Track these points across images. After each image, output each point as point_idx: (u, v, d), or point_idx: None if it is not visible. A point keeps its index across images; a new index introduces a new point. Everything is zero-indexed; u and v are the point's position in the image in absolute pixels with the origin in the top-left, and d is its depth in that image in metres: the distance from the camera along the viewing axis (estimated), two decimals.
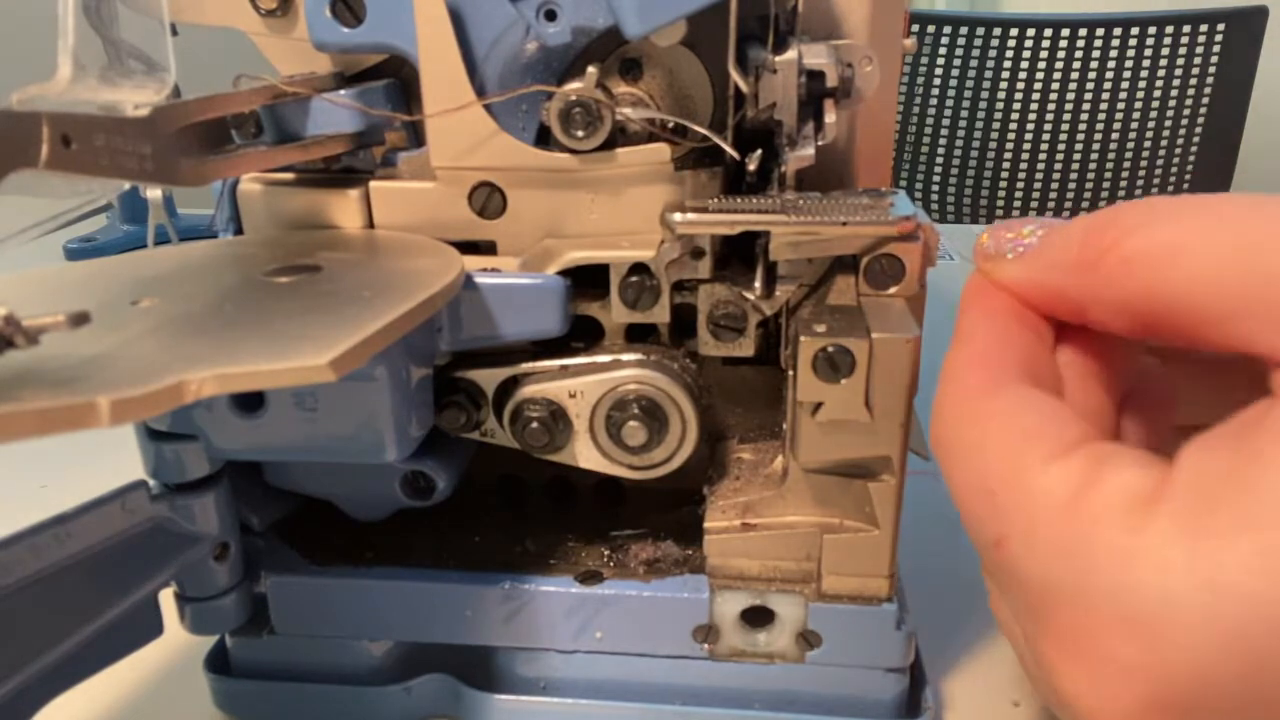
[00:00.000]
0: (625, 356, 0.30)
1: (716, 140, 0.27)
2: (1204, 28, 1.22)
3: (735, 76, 0.27)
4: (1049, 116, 1.28)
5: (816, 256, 0.27)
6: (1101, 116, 1.26)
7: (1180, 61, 1.23)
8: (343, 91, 0.28)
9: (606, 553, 0.32)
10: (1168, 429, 0.25)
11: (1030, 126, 1.29)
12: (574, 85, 0.27)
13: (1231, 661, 0.16)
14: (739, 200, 0.28)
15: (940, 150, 1.34)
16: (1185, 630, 0.16)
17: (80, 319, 0.18)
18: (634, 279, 0.29)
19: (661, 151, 0.28)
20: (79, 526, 0.25)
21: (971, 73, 1.30)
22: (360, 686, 0.32)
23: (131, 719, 0.33)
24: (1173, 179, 1.28)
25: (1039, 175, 1.30)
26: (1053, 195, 1.31)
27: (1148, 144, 1.27)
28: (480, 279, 0.28)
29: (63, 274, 0.29)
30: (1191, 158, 1.27)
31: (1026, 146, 1.30)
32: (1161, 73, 1.24)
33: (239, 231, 0.31)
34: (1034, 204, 1.31)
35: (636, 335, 0.31)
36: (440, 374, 0.30)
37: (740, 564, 0.30)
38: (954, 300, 0.25)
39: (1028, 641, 0.20)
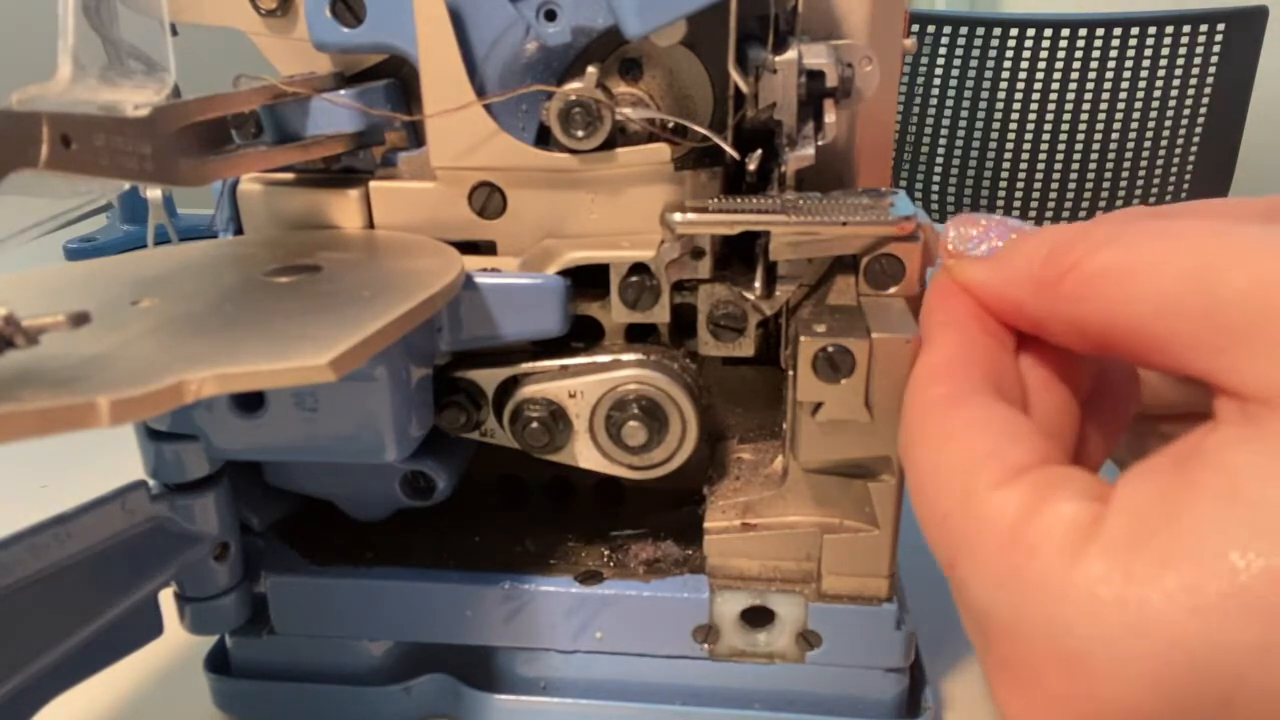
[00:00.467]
0: (625, 356, 0.30)
1: (716, 140, 0.27)
2: (1204, 28, 1.22)
3: (735, 76, 0.27)
4: (1049, 116, 1.28)
5: (816, 256, 0.27)
6: (1101, 116, 1.26)
7: (1180, 61, 1.23)
8: (343, 91, 0.28)
9: (606, 553, 0.32)
10: (1129, 421, 0.25)
11: (1030, 126, 1.29)
12: (574, 85, 0.27)
13: (1159, 700, 0.16)
14: (739, 200, 0.28)
15: (940, 150, 1.34)
16: (1113, 667, 0.16)
17: (80, 319, 0.18)
18: (634, 279, 0.29)
19: (661, 151, 0.28)
20: (79, 526, 0.25)
21: (971, 73, 1.30)
22: (360, 686, 0.32)
23: (131, 719, 0.33)
24: (1173, 179, 1.28)
25: (1039, 175, 1.30)
26: (1053, 195, 1.31)
27: (1148, 144, 1.27)
28: (480, 279, 0.28)
29: (63, 274, 0.29)
30: (1191, 158, 1.27)
31: (1026, 146, 1.30)
32: (1161, 73, 1.23)
33: (239, 231, 0.31)
34: (1034, 204, 1.31)
35: (636, 335, 0.31)
36: (440, 374, 0.30)
37: (740, 564, 0.30)
38: None
39: (980, 662, 0.20)
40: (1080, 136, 1.27)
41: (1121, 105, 1.25)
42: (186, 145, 0.25)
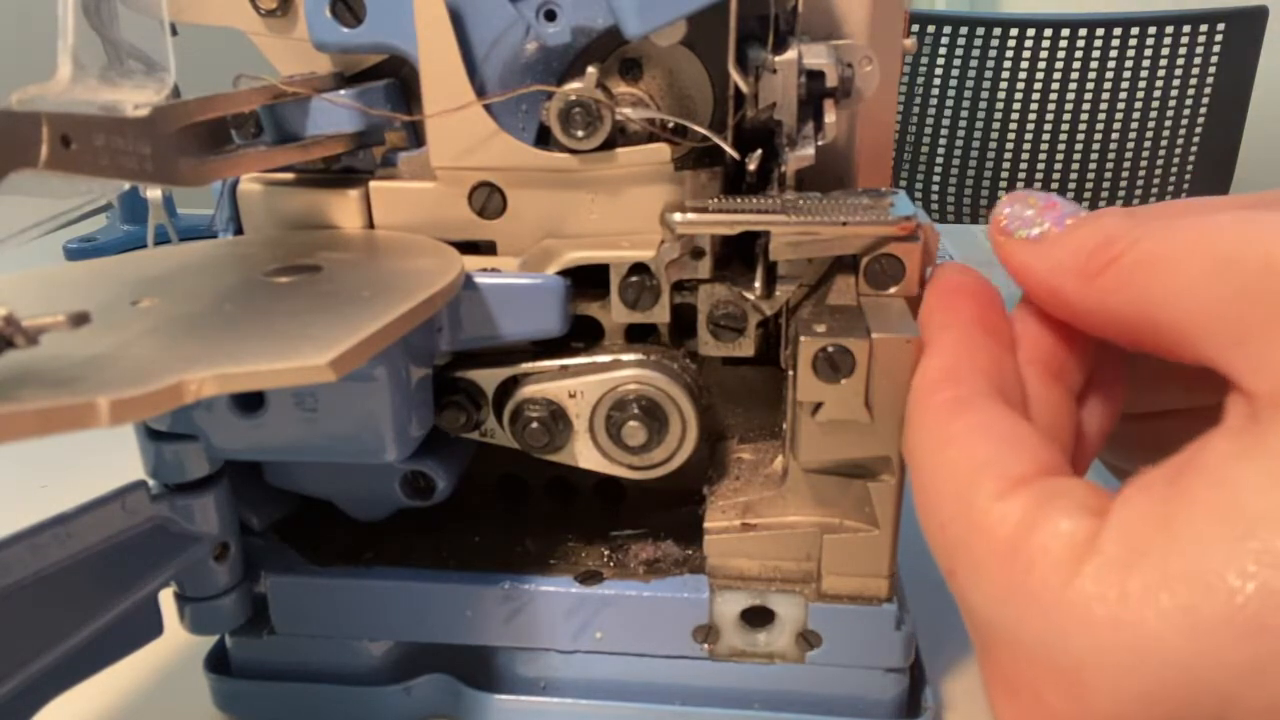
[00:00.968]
0: (625, 356, 0.30)
1: (716, 140, 0.27)
2: (1204, 28, 1.22)
3: (735, 76, 0.27)
4: (1049, 116, 1.28)
5: (816, 256, 0.27)
6: (1101, 116, 1.26)
7: (1180, 61, 1.23)
8: (343, 91, 0.28)
9: (606, 553, 0.32)
10: (1118, 415, 0.25)
11: (1030, 126, 1.29)
12: (574, 85, 0.27)
13: (1152, 718, 0.16)
14: (739, 200, 0.28)
15: (940, 150, 1.34)
16: (1108, 685, 0.16)
17: (80, 319, 0.18)
18: (634, 279, 0.29)
19: (661, 151, 0.28)
20: (79, 526, 0.25)
21: (971, 73, 1.30)
22: (360, 686, 0.32)
23: (131, 719, 0.33)
24: (1173, 179, 1.28)
25: (1039, 175, 1.30)
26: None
27: (1148, 144, 1.27)
28: (480, 279, 0.28)
29: (63, 274, 0.29)
30: (1191, 158, 1.27)
31: (1026, 147, 1.30)
32: (1161, 73, 1.23)
33: (239, 231, 0.31)
34: None
35: (636, 335, 0.31)
36: (440, 374, 0.30)
37: (740, 564, 0.30)
38: None
39: (979, 667, 0.20)
40: (1080, 136, 1.27)
41: (1121, 105, 1.25)
42: (186, 145, 0.25)
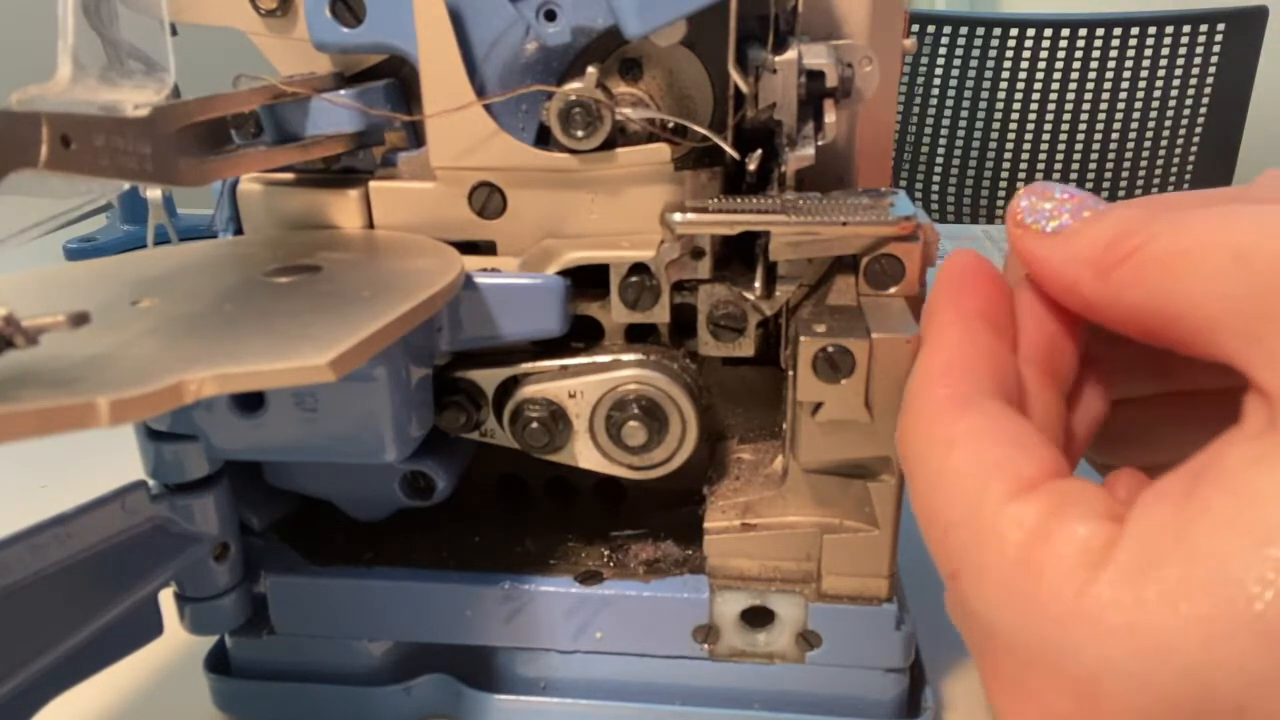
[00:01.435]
0: (625, 356, 0.30)
1: (716, 140, 0.27)
2: (1204, 28, 1.22)
3: (735, 76, 0.27)
4: (1049, 116, 1.28)
5: (816, 256, 0.27)
6: (1101, 116, 1.26)
7: (1180, 61, 1.23)
8: (343, 91, 0.28)
9: (606, 553, 0.32)
10: (1104, 415, 0.25)
11: (1030, 126, 1.29)
12: (574, 85, 0.27)
13: None
14: (739, 200, 0.28)
15: (940, 150, 1.34)
16: (1122, 693, 0.16)
17: (80, 319, 0.18)
18: (634, 279, 0.29)
19: (661, 151, 0.28)
20: (79, 526, 0.25)
21: (971, 73, 1.30)
22: (360, 686, 0.32)
23: (131, 719, 0.33)
24: (1173, 179, 1.28)
25: (1039, 175, 1.30)
26: None
27: (1148, 144, 1.27)
28: (480, 279, 0.28)
29: (63, 274, 0.29)
30: (1191, 158, 1.27)
31: (1026, 146, 1.30)
32: (1161, 73, 1.23)
33: (239, 231, 0.31)
34: None
35: (636, 335, 0.31)
36: (440, 374, 0.30)
37: (740, 564, 0.30)
38: None
39: (978, 670, 0.20)
40: (1080, 136, 1.27)
41: (1121, 105, 1.25)
42: (186, 145, 0.25)
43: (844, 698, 0.30)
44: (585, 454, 0.30)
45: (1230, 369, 0.18)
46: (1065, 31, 1.25)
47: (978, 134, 1.31)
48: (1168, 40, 1.22)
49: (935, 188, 1.35)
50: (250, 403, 0.27)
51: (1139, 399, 0.26)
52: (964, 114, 1.31)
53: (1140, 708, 0.16)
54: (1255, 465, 0.16)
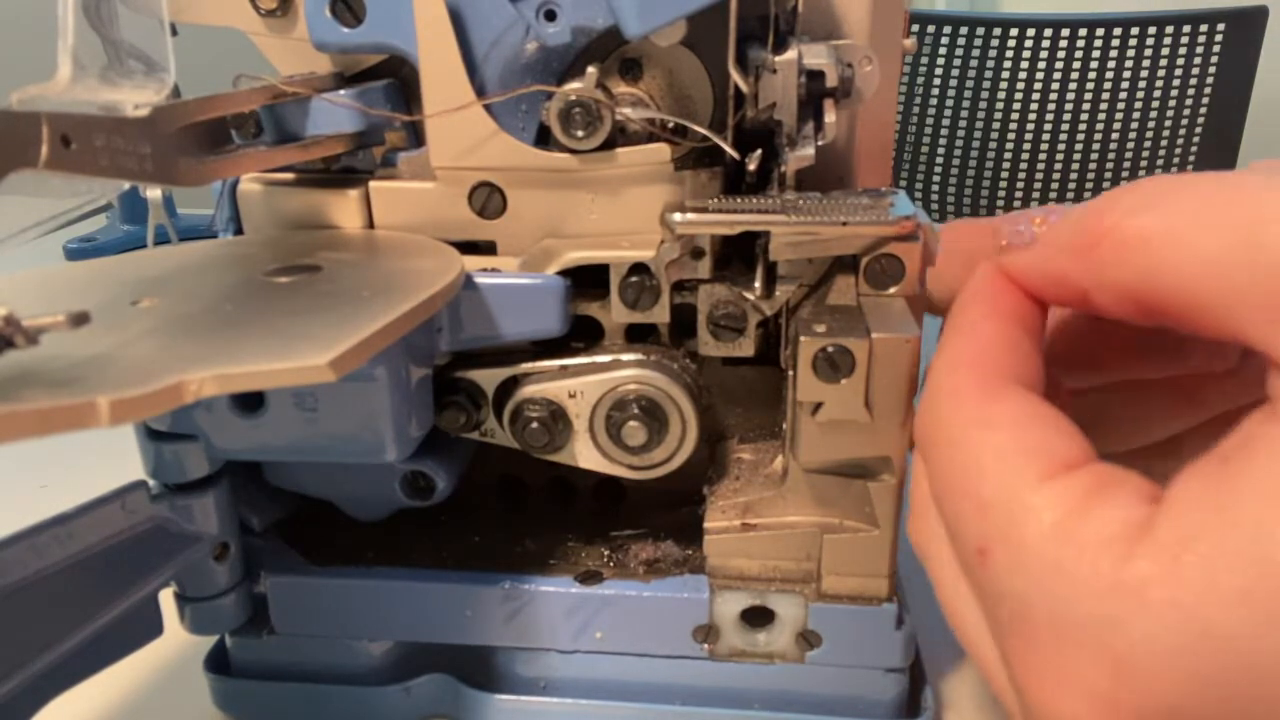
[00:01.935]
0: (625, 356, 0.30)
1: (716, 140, 0.27)
2: (1204, 28, 1.22)
3: (735, 76, 0.27)
4: (1049, 116, 1.28)
5: (816, 256, 0.27)
6: (1101, 116, 1.26)
7: (1180, 61, 1.23)
8: (343, 91, 0.28)
9: (606, 553, 0.32)
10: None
11: (1030, 126, 1.29)
12: (574, 85, 0.27)
13: (1207, 702, 0.16)
14: (739, 200, 0.28)
15: (940, 150, 1.34)
16: (1162, 667, 0.16)
17: (80, 319, 0.18)
18: (634, 279, 0.29)
19: (661, 151, 0.28)
20: (79, 526, 0.25)
21: (971, 73, 1.30)
22: (360, 686, 0.32)
23: (131, 719, 0.33)
24: None
25: (1039, 175, 1.30)
26: (1053, 196, 1.31)
27: (1148, 144, 1.27)
28: (480, 279, 0.28)
29: (63, 274, 0.29)
30: (1192, 158, 1.27)
31: (1026, 146, 1.30)
32: (1161, 73, 1.23)
33: (239, 231, 0.31)
34: (1034, 204, 1.31)
35: (636, 335, 0.31)
36: (440, 374, 0.30)
37: (740, 564, 0.30)
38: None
39: (1002, 650, 0.20)
40: (1080, 136, 1.27)
41: (1121, 105, 1.25)
42: (186, 145, 0.25)
43: (844, 698, 0.30)
44: (585, 454, 0.30)
45: (1219, 349, 0.18)
46: (1065, 31, 1.24)
47: (978, 134, 1.31)
48: (1168, 40, 1.22)
49: (935, 188, 1.35)
50: (250, 403, 0.27)
51: (1103, 387, 0.26)
52: (964, 114, 1.31)
53: (1181, 680, 0.16)
54: None
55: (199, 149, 0.26)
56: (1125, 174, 1.28)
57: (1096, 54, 1.24)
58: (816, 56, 0.26)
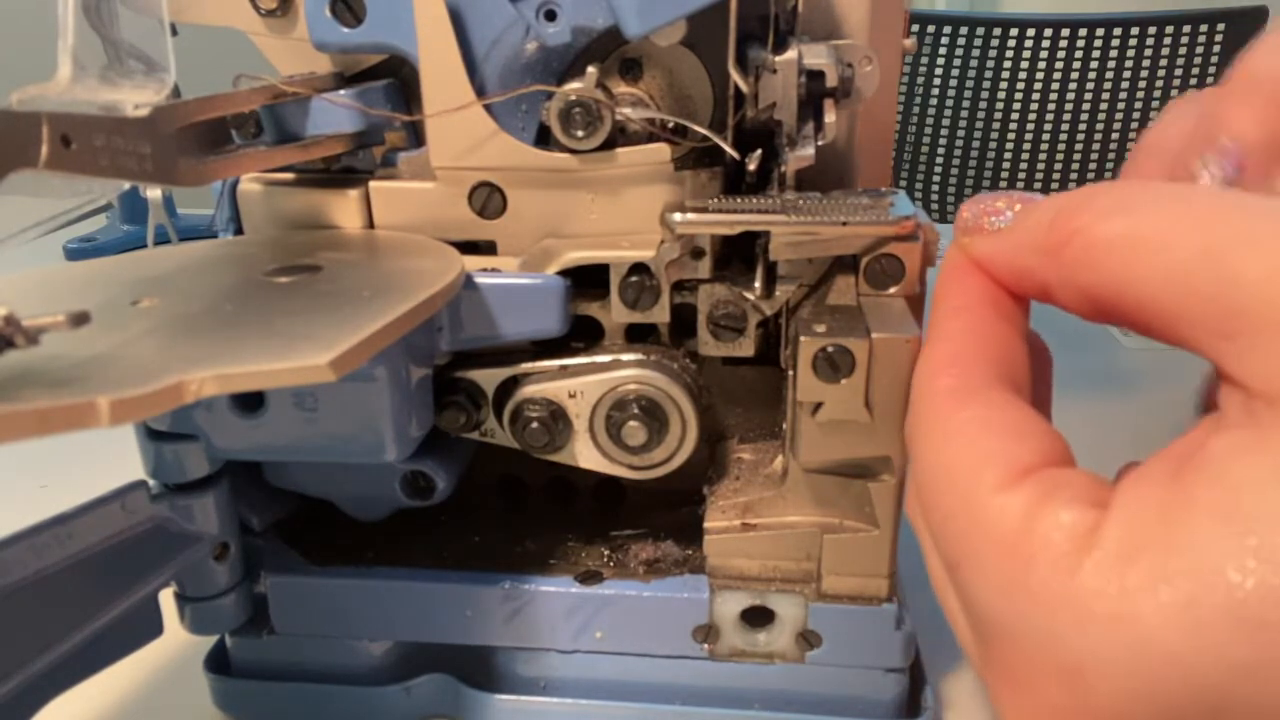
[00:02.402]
0: (625, 356, 0.30)
1: (716, 140, 0.27)
2: (1204, 28, 1.22)
3: (735, 76, 0.27)
4: (1049, 117, 1.28)
5: (816, 256, 0.27)
6: (1102, 116, 1.26)
7: (1180, 61, 1.23)
8: (343, 91, 0.28)
9: (606, 553, 0.32)
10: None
11: (1030, 126, 1.29)
12: (574, 85, 0.27)
13: (1151, 712, 0.16)
14: (739, 200, 0.28)
15: (940, 150, 1.34)
16: (1107, 680, 0.17)
17: (80, 319, 0.18)
18: (634, 279, 0.29)
19: (661, 151, 0.28)
20: (79, 526, 0.25)
21: (971, 73, 1.30)
22: (360, 686, 0.32)
23: (131, 719, 0.33)
24: None
25: (1039, 175, 1.30)
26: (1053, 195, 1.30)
27: None
28: (480, 279, 0.28)
29: (63, 274, 0.29)
30: None
31: (1026, 147, 1.30)
32: (1161, 73, 1.23)
33: (239, 231, 0.31)
34: None
35: (636, 335, 0.31)
36: (440, 374, 0.30)
37: (740, 564, 0.30)
38: None
39: (977, 659, 0.21)
40: (1080, 136, 1.27)
41: (1121, 105, 1.25)
42: (186, 145, 0.25)
43: (844, 698, 0.30)
44: (585, 454, 0.30)
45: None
46: (1065, 31, 1.24)
47: (978, 134, 1.31)
48: (1168, 40, 1.22)
49: (935, 188, 1.35)
50: (250, 403, 0.27)
51: None
52: (964, 114, 1.31)
53: (1127, 694, 0.16)
54: (1237, 454, 0.17)
55: (199, 149, 0.26)
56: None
57: (1096, 54, 1.24)
58: (816, 56, 0.26)
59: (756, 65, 0.27)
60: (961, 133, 1.32)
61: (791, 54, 0.26)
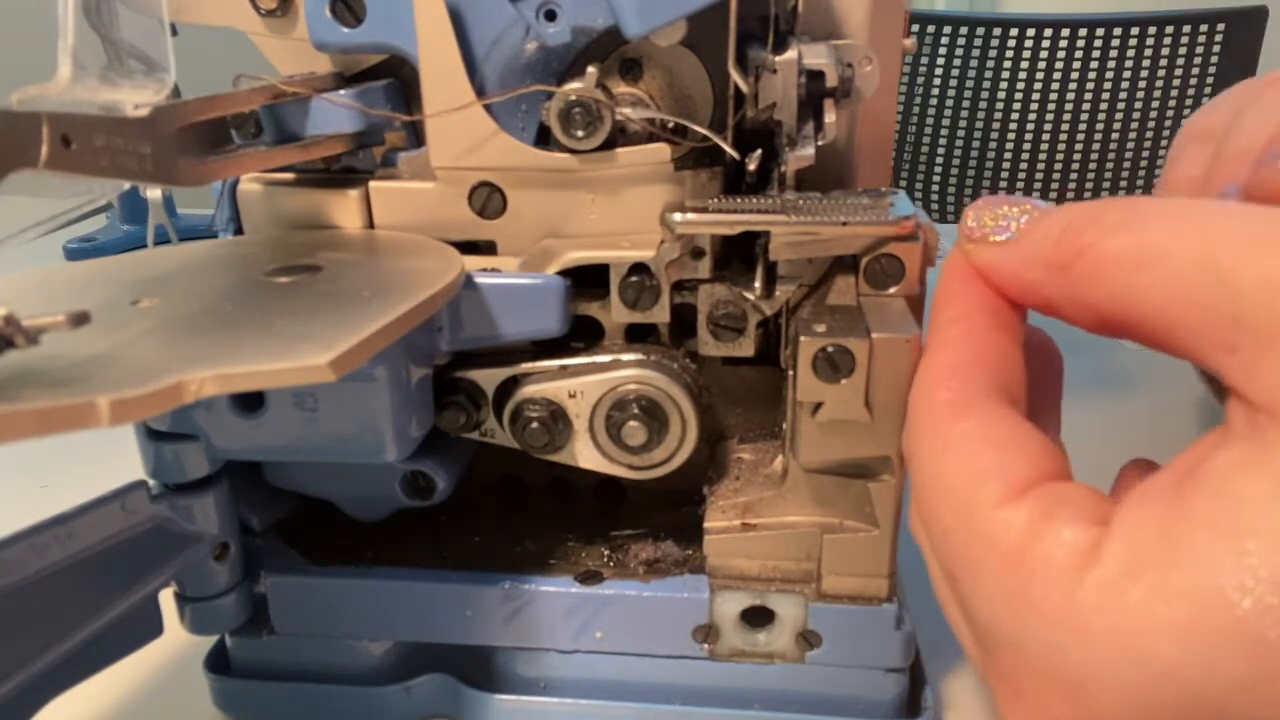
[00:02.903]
0: (625, 356, 0.30)
1: (716, 140, 0.27)
2: (1204, 28, 1.22)
3: (735, 76, 0.27)
4: (1049, 116, 1.28)
5: (816, 256, 0.27)
6: (1101, 116, 1.26)
7: (1180, 61, 1.23)
8: (343, 91, 0.28)
9: (606, 553, 0.32)
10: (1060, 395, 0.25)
11: (1030, 126, 1.29)
12: (574, 85, 0.27)
13: None
14: (739, 200, 0.28)
15: (940, 150, 1.34)
16: (1108, 695, 0.17)
17: (80, 319, 0.18)
18: (634, 279, 0.29)
19: (661, 151, 0.28)
20: (79, 526, 0.25)
21: (971, 73, 1.30)
22: (360, 686, 0.32)
23: (131, 719, 0.33)
24: None
25: (1039, 175, 1.30)
26: (1053, 196, 1.31)
27: (1148, 144, 1.27)
28: (480, 279, 0.28)
29: (63, 274, 0.29)
30: None
31: (1026, 147, 1.30)
32: (1161, 73, 1.23)
33: (239, 231, 0.31)
34: None
35: (636, 335, 0.31)
36: (440, 374, 0.30)
37: (740, 564, 0.30)
38: None
39: (980, 666, 0.21)
40: (1080, 137, 1.27)
41: (1121, 105, 1.25)
42: (186, 145, 0.25)
43: (844, 698, 0.30)
44: (585, 454, 0.30)
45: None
46: (1065, 31, 1.24)
47: (978, 134, 1.31)
48: (1168, 40, 1.22)
49: (935, 188, 1.35)
50: (250, 403, 0.27)
51: None
52: (964, 114, 1.31)
53: (1127, 710, 0.17)
54: (1238, 470, 0.17)
55: (199, 149, 0.26)
56: (1125, 174, 1.28)
57: (1096, 54, 1.24)
58: (816, 56, 0.26)
59: (756, 65, 0.27)
60: (961, 133, 1.32)
61: (791, 54, 0.26)
